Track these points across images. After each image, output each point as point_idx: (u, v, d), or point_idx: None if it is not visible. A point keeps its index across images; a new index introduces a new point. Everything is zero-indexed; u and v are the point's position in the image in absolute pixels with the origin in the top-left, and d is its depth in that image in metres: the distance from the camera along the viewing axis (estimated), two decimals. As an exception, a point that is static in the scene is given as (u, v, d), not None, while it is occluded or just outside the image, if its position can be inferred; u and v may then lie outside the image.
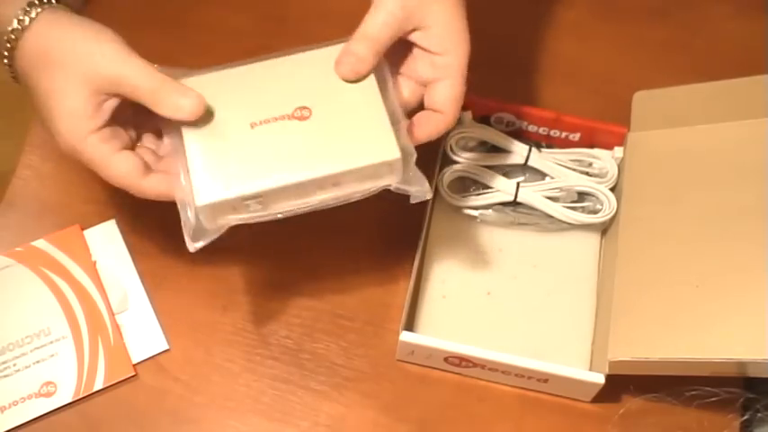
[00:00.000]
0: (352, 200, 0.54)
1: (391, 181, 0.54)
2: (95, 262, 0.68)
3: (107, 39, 0.53)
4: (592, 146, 0.71)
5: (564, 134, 0.71)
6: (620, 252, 0.65)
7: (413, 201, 0.54)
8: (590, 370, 0.64)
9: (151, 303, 0.67)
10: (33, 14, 0.54)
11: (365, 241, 0.70)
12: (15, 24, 0.53)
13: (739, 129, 0.66)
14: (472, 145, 0.71)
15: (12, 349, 0.64)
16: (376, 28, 0.54)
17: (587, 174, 0.70)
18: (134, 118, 0.56)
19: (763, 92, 0.65)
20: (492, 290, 0.69)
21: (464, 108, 0.70)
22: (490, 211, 0.69)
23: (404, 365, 0.66)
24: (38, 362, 0.64)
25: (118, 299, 0.67)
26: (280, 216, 0.53)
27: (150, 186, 0.54)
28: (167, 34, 0.76)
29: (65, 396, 0.63)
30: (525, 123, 0.71)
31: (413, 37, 0.55)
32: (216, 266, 0.69)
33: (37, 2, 0.54)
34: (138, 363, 0.65)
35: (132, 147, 0.56)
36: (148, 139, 0.58)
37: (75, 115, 0.52)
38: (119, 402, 0.64)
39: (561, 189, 0.69)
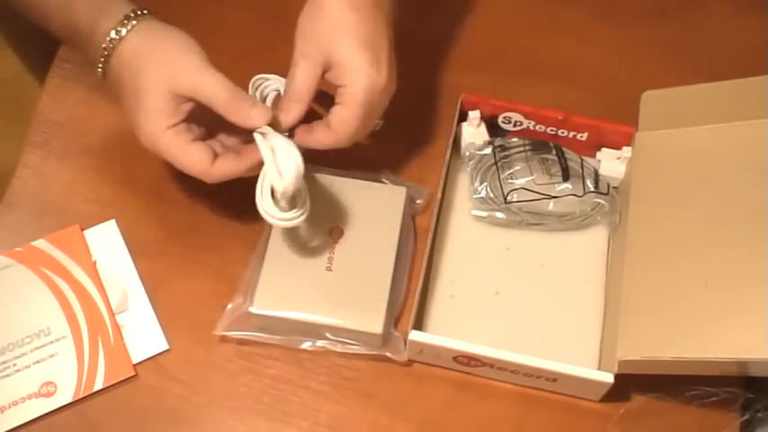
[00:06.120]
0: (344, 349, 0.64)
1: (371, 345, 0.65)
2: (95, 262, 0.68)
3: (190, 50, 0.61)
4: (599, 146, 0.71)
5: (572, 134, 0.71)
6: (628, 251, 0.65)
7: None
8: (598, 369, 0.64)
9: (151, 303, 0.67)
10: (129, 27, 0.61)
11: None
12: (113, 35, 0.61)
13: (748, 128, 0.66)
14: None
15: (12, 349, 0.64)
16: (305, 84, 0.62)
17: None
18: (203, 116, 0.62)
19: (772, 92, 0.65)
20: (500, 289, 0.69)
21: (473, 108, 0.70)
22: (498, 213, 0.69)
23: (404, 365, 0.66)
24: (38, 362, 0.64)
25: (118, 299, 0.67)
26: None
27: (216, 169, 0.61)
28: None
29: (65, 396, 0.63)
30: (533, 123, 0.71)
31: (327, 76, 0.63)
32: (216, 266, 0.69)
33: (132, 15, 0.61)
34: (138, 363, 0.65)
35: (203, 139, 0.63)
36: (221, 136, 0.65)
37: (156, 112, 0.60)
38: (119, 402, 0.64)
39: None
